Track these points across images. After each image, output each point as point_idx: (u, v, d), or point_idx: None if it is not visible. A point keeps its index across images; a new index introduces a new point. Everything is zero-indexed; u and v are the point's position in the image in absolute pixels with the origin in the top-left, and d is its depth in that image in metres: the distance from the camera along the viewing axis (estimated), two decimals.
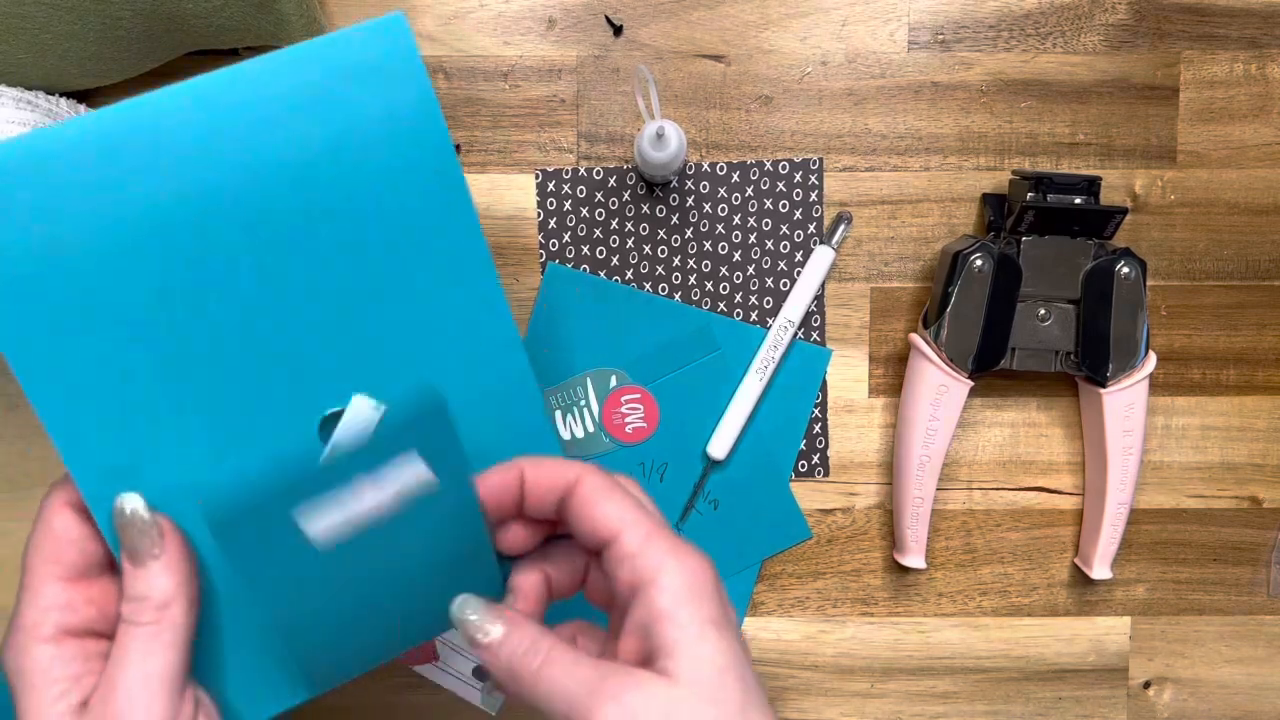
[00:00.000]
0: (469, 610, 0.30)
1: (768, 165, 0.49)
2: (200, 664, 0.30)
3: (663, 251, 0.49)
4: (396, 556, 0.31)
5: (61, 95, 0.45)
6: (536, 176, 0.49)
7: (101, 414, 0.29)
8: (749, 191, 0.49)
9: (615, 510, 0.30)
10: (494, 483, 0.31)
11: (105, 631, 0.30)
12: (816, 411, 0.50)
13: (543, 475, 0.31)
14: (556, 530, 0.33)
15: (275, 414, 0.31)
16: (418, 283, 0.32)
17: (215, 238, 0.30)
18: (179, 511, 0.30)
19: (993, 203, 0.49)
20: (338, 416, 0.31)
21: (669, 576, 0.28)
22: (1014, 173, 0.48)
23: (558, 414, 0.49)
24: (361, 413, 0.31)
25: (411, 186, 0.31)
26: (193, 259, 0.29)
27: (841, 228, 0.49)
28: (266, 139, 0.30)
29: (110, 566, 0.31)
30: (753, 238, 0.49)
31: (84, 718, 0.28)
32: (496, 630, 0.30)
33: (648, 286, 0.49)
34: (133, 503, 0.29)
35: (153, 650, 0.28)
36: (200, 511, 0.28)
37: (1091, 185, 0.47)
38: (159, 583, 0.28)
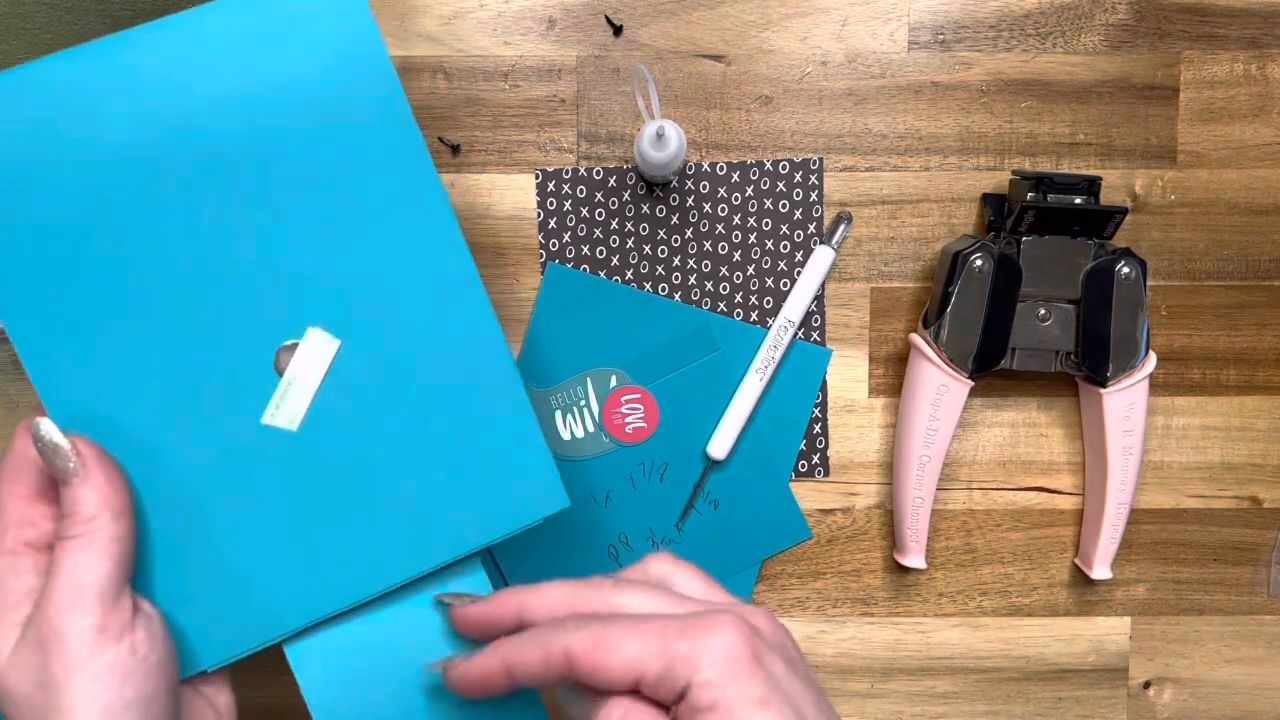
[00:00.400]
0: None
1: (768, 165, 0.49)
2: (166, 593, 0.32)
3: (663, 251, 0.49)
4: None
5: None
6: (536, 176, 0.49)
7: (69, 343, 0.31)
8: (749, 191, 0.49)
9: (620, 659, 0.28)
10: (474, 678, 0.31)
11: None
12: (816, 411, 0.50)
13: (529, 665, 0.29)
14: None
15: (233, 347, 0.32)
16: (370, 216, 0.33)
17: (172, 175, 0.32)
18: (141, 438, 0.32)
19: (993, 203, 0.49)
20: (293, 349, 0.33)
21: (702, 675, 0.27)
22: (1014, 173, 0.48)
23: (558, 414, 0.49)
24: (317, 344, 0.32)
25: (359, 120, 0.32)
26: (151, 195, 0.32)
27: (841, 228, 0.49)
28: (218, 78, 0.32)
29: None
30: (753, 238, 0.49)
31: (29, 628, 0.29)
32: None
33: (648, 286, 0.49)
34: (46, 428, 0.30)
35: (81, 561, 0.29)
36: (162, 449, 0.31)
37: (1092, 185, 0.46)
38: (81, 496, 0.30)
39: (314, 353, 0.32)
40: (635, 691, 0.28)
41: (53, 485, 0.32)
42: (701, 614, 0.28)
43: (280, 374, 0.32)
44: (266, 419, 0.32)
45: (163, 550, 0.32)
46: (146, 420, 0.32)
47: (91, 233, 0.31)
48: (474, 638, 0.33)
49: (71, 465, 0.30)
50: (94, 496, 0.30)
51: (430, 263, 0.33)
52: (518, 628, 0.31)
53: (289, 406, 0.32)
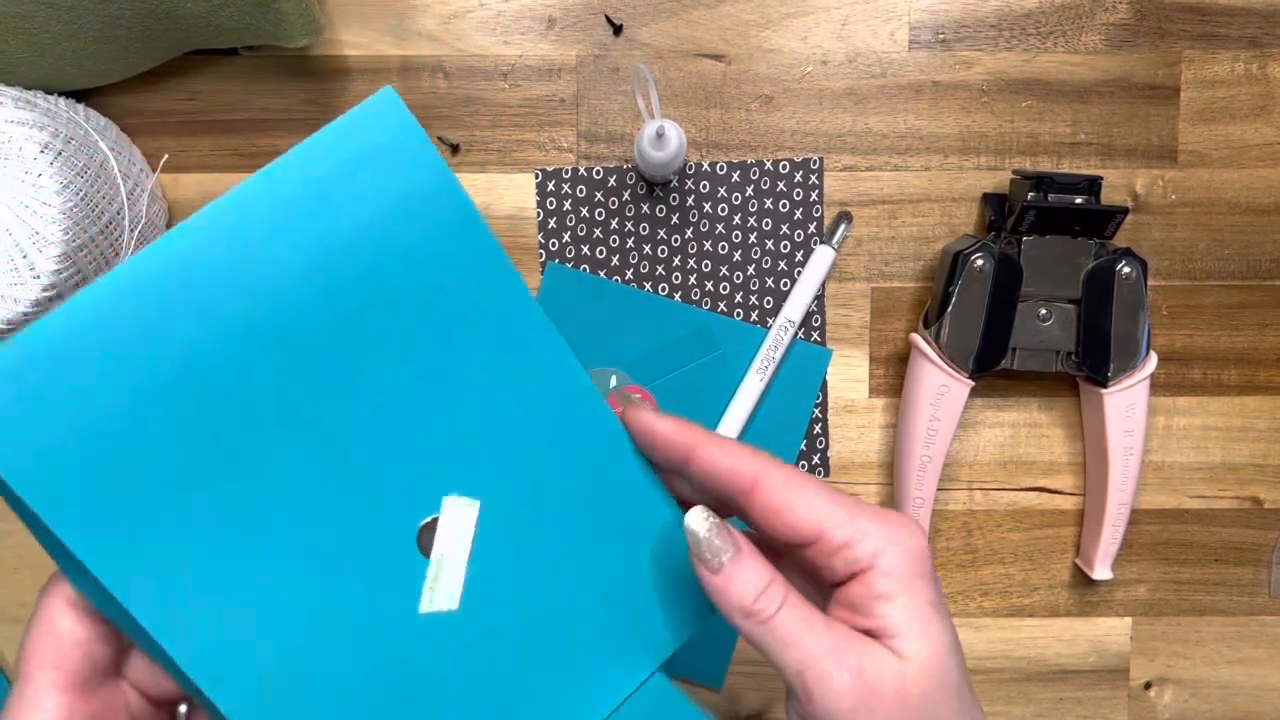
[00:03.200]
0: (700, 524, 0.28)
1: (768, 165, 0.49)
2: None
3: (663, 251, 0.49)
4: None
5: (60, 95, 0.45)
6: (536, 176, 0.49)
7: (186, 586, 0.26)
8: (749, 191, 0.49)
9: (808, 511, 0.27)
10: (650, 429, 0.30)
11: None
12: (817, 412, 0.50)
13: (719, 464, 0.29)
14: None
15: (368, 541, 0.28)
16: (476, 359, 0.30)
17: (260, 369, 0.27)
18: (293, 666, 0.28)
19: (993, 202, 0.48)
20: (433, 525, 0.29)
21: (887, 560, 0.27)
22: (1015, 172, 0.48)
23: None
24: (458, 512, 0.30)
25: (443, 260, 0.29)
26: (241, 396, 0.27)
27: (842, 227, 0.48)
28: (287, 253, 0.28)
29: (114, 673, 0.27)
30: (753, 237, 0.49)
31: None
32: (728, 555, 0.28)
33: (648, 286, 0.49)
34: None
35: None
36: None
37: (1092, 185, 0.46)
38: None
39: (456, 522, 0.30)
40: (792, 549, 0.28)
41: (100, 673, 0.26)
42: (885, 509, 0.28)
43: (426, 555, 0.29)
44: (425, 607, 0.29)
45: None
46: (295, 645, 0.28)
47: (186, 454, 0.27)
48: (639, 440, 0.31)
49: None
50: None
51: (549, 396, 0.30)
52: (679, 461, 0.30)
53: (444, 585, 0.29)
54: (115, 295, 0.26)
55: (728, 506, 0.30)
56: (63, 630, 0.26)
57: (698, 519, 0.28)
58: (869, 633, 0.27)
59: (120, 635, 0.27)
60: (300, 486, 0.28)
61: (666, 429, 0.30)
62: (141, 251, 0.27)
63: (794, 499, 0.27)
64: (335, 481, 0.28)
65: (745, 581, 0.27)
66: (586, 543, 0.31)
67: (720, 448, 0.29)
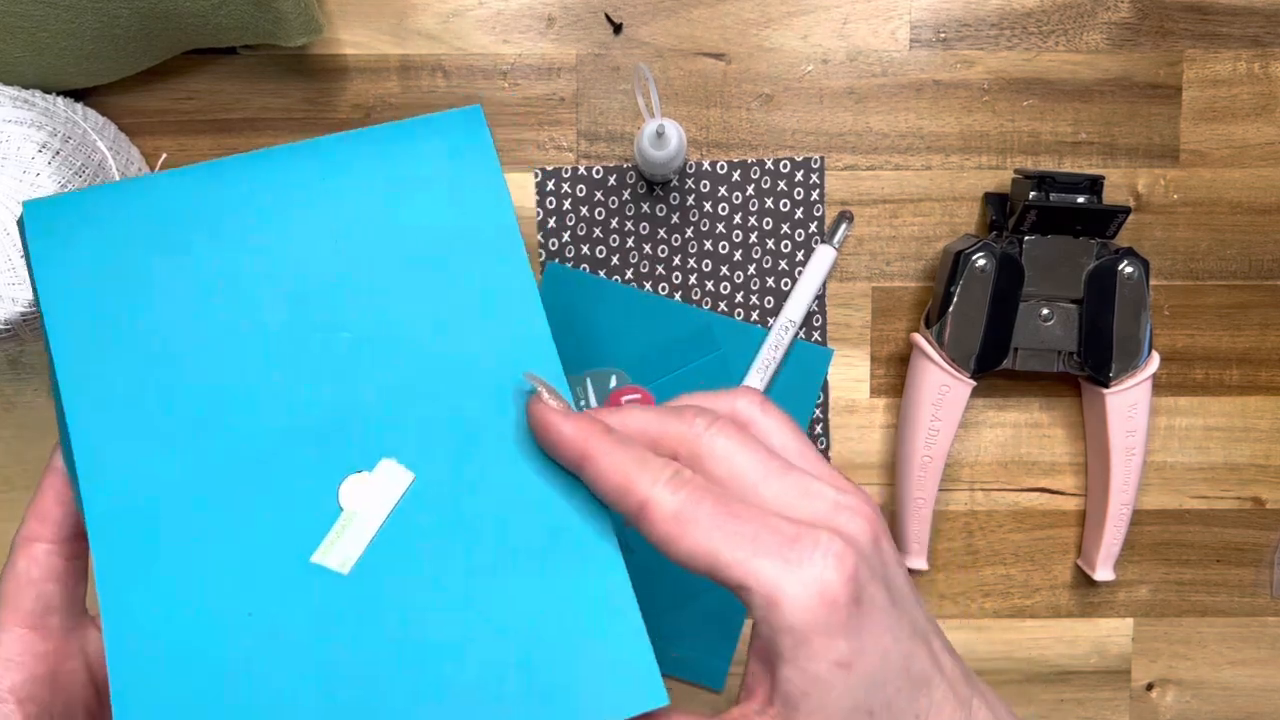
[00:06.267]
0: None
1: (768, 164, 0.49)
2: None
3: (663, 251, 0.49)
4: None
5: (58, 94, 0.45)
6: (536, 175, 0.49)
7: (124, 422, 0.29)
8: (750, 190, 0.49)
9: (698, 543, 0.24)
10: (551, 434, 0.27)
11: (55, 701, 0.29)
12: (818, 412, 0.50)
13: (608, 481, 0.26)
14: None
15: (299, 472, 0.29)
16: (468, 352, 0.30)
17: (268, 294, 0.30)
18: (176, 543, 0.28)
19: (995, 202, 0.48)
20: (360, 480, 0.30)
21: (783, 612, 0.23)
22: (1016, 172, 0.48)
23: None
24: (388, 477, 0.29)
25: (471, 257, 0.31)
26: (243, 311, 0.30)
27: (843, 227, 0.48)
28: (331, 215, 0.31)
29: (75, 615, 0.30)
30: (753, 237, 0.49)
31: None
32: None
33: (648, 286, 0.49)
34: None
35: None
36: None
37: (1094, 184, 0.46)
38: None
39: (383, 486, 0.29)
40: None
41: (53, 611, 0.29)
42: (799, 530, 0.24)
43: (343, 508, 0.29)
44: (317, 557, 0.28)
45: (158, 674, 0.27)
46: (186, 526, 0.28)
47: (179, 325, 0.30)
48: (538, 438, 0.29)
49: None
50: None
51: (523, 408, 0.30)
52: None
53: (344, 546, 0.29)
54: (157, 194, 0.30)
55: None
56: (19, 570, 0.29)
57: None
58: (771, 696, 0.25)
59: (72, 580, 0.30)
60: (260, 398, 0.30)
61: (564, 431, 0.27)
62: (198, 166, 0.31)
63: (685, 529, 0.24)
64: (292, 408, 0.30)
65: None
66: (515, 569, 0.28)
67: (613, 459, 0.26)
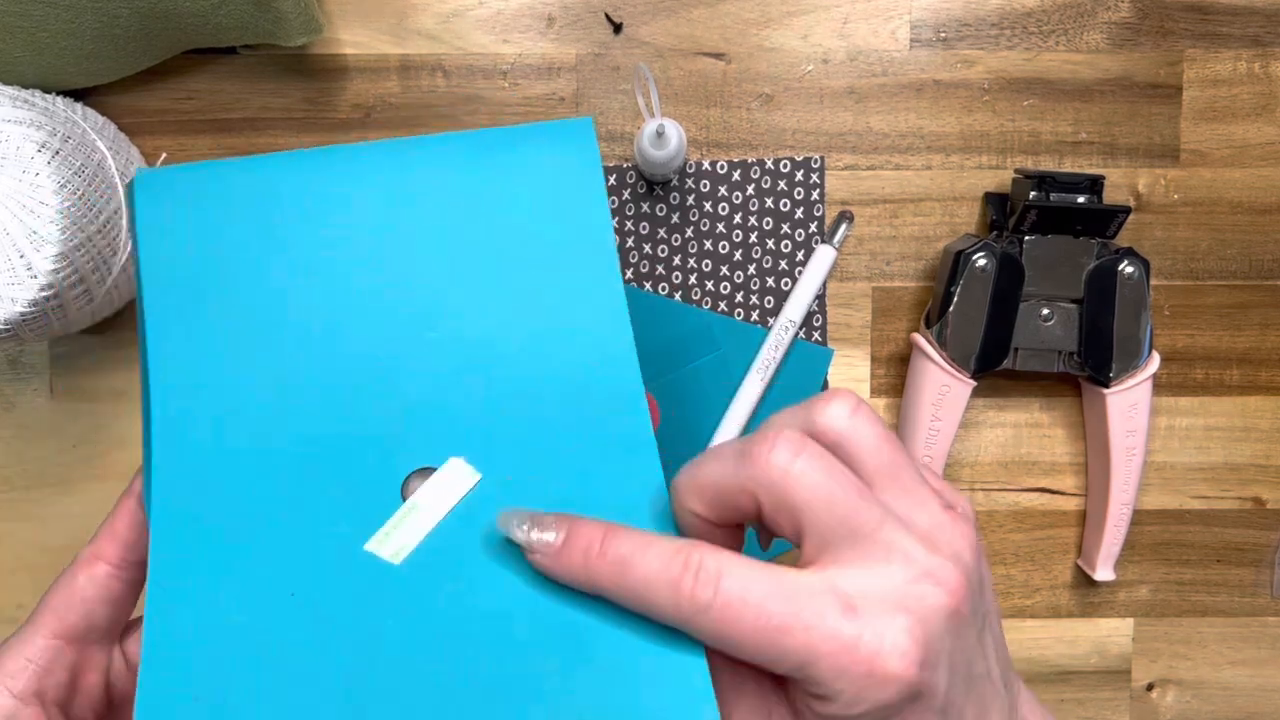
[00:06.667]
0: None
1: (769, 164, 0.49)
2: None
3: (663, 251, 0.49)
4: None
5: (58, 94, 0.45)
6: None
7: (205, 420, 0.29)
8: (750, 190, 0.49)
9: (752, 646, 0.22)
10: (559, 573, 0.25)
11: (71, 706, 0.30)
12: None
13: (633, 598, 0.24)
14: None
15: (366, 459, 0.29)
16: (550, 354, 0.30)
17: (358, 298, 0.30)
18: (229, 506, 0.28)
19: (995, 202, 0.48)
20: (425, 474, 0.29)
21: (828, 684, 0.22)
22: (1016, 171, 0.48)
23: None
24: (455, 475, 0.29)
25: (560, 260, 0.31)
26: (332, 311, 0.30)
27: (843, 227, 0.48)
28: (432, 212, 0.31)
29: (110, 639, 0.31)
30: (754, 237, 0.49)
31: None
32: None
33: (648, 286, 0.49)
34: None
35: None
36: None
37: (1094, 184, 0.46)
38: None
39: (448, 483, 0.29)
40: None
41: (95, 631, 0.30)
42: (859, 613, 0.22)
43: (404, 500, 0.29)
44: (371, 545, 0.28)
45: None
46: (245, 502, 0.28)
47: (271, 306, 0.30)
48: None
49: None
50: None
51: (603, 418, 0.29)
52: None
53: (399, 536, 0.28)
54: (279, 169, 0.31)
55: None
56: (77, 584, 0.29)
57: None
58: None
59: (123, 605, 0.30)
60: (339, 393, 0.30)
61: (565, 575, 0.25)
62: (304, 151, 0.31)
63: (732, 630, 0.23)
64: (369, 401, 0.29)
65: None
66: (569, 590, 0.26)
67: (629, 593, 0.24)
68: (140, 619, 0.31)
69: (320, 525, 0.28)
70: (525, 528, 0.25)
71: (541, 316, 0.30)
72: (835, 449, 0.25)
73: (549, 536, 0.25)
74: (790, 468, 0.23)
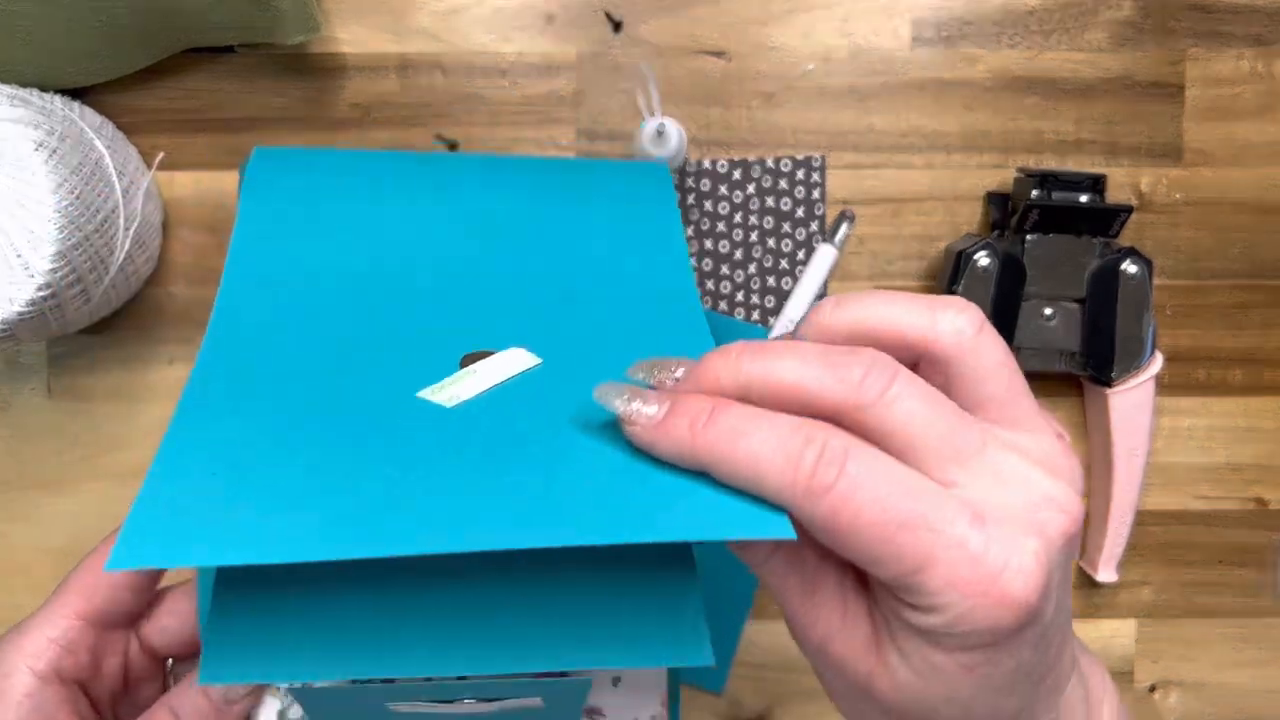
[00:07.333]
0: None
1: (769, 163, 0.48)
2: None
3: None
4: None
5: (55, 92, 0.45)
6: None
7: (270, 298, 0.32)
8: (750, 189, 0.48)
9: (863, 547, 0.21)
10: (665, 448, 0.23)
11: (91, 687, 0.31)
12: None
13: (743, 482, 0.22)
14: None
15: (427, 337, 0.31)
16: (624, 311, 0.34)
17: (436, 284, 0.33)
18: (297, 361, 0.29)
19: (997, 201, 0.48)
20: (484, 355, 0.29)
21: (938, 596, 0.21)
22: (1018, 170, 0.48)
23: None
24: (516, 357, 0.29)
25: (643, 294, 0.34)
26: (411, 261, 0.34)
27: (844, 226, 0.48)
28: (515, 230, 0.35)
29: (129, 624, 0.32)
30: (754, 236, 0.49)
31: None
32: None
33: None
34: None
35: None
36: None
37: (1097, 183, 0.46)
38: None
39: (507, 360, 0.29)
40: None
41: (118, 616, 0.31)
42: (984, 548, 0.20)
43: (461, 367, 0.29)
44: (425, 393, 0.27)
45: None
46: (302, 345, 0.29)
47: (348, 271, 0.33)
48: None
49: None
50: None
51: (662, 322, 0.33)
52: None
53: (455, 389, 0.27)
54: (382, 165, 0.37)
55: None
56: (103, 569, 0.30)
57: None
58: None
59: (146, 592, 0.32)
60: (412, 301, 0.32)
61: (667, 448, 0.23)
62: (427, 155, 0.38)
63: (844, 532, 0.21)
64: (441, 299, 0.32)
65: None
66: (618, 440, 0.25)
67: (736, 465, 0.22)
68: (155, 607, 0.33)
69: (373, 371, 0.29)
70: (626, 398, 0.23)
71: (614, 285, 0.34)
72: (946, 364, 0.23)
73: (650, 410, 0.23)
74: (889, 391, 0.21)
